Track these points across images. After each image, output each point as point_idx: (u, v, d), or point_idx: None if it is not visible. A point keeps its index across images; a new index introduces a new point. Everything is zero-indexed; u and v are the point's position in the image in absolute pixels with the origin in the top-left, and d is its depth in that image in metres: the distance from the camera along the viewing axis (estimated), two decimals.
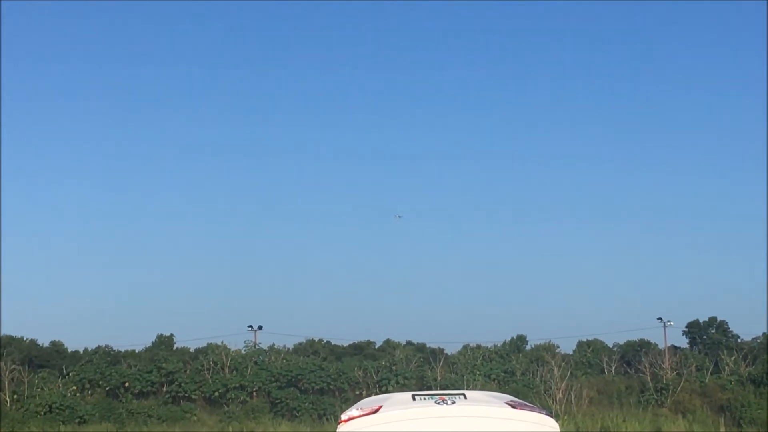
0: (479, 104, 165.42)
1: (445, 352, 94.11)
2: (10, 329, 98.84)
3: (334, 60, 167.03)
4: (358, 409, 12.95)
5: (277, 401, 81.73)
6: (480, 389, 27.48)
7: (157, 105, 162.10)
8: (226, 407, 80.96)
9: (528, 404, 13.50)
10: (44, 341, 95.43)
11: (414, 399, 13.31)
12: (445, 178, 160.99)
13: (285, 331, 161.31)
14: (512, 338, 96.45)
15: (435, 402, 12.96)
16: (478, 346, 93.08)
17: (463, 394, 13.43)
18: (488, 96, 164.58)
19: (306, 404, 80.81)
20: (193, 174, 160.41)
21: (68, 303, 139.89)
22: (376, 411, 12.73)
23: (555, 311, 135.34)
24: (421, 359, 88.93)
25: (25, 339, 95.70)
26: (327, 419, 78.28)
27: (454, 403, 12.94)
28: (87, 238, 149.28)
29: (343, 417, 12.84)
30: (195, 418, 77.84)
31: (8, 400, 78.04)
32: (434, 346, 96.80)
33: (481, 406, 13.07)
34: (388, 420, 12.57)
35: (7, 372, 79.79)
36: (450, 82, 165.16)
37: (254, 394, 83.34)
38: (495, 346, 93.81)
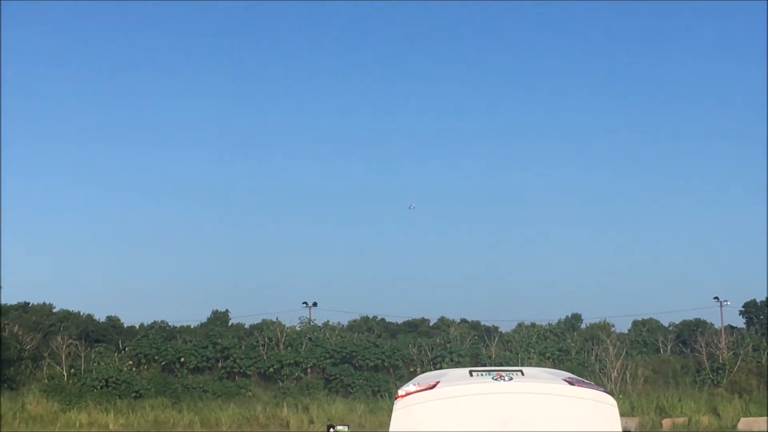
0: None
1: (500, 330, 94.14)
2: (67, 304, 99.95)
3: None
4: (415, 385, 12.92)
5: (331, 377, 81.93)
6: (535, 367, 27.34)
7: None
8: (280, 383, 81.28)
9: (585, 381, 13.40)
10: (100, 316, 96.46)
11: (471, 375, 13.26)
12: (492, 154, 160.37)
13: (339, 308, 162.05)
14: (567, 317, 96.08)
15: (492, 378, 12.90)
16: (533, 324, 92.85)
17: (521, 371, 13.36)
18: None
19: (360, 381, 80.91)
20: (249, 151, 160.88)
21: (124, 278, 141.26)
22: (434, 386, 12.70)
23: (610, 290, 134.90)
24: (476, 337, 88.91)
25: (81, 314, 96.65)
26: (381, 396, 78.33)
27: (511, 379, 12.88)
28: (142, 214, 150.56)
29: (400, 392, 12.81)
30: (250, 393, 78.22)
31: (65, 374, 78.85)
32: (488, 323, 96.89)
33: (538, 382, 13.00)
34: (445, 395, 12.54)
35: (64, 346, 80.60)
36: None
37: (309, 370, 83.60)
38: (549, 324, 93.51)
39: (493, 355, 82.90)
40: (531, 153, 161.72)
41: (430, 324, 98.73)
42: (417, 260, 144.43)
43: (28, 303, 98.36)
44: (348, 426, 46.56)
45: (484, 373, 13.28)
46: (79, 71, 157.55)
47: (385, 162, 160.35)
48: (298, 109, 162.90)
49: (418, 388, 12.77)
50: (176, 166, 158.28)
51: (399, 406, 12.65)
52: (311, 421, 71.43)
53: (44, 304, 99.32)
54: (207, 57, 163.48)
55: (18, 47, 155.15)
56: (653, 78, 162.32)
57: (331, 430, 44.19)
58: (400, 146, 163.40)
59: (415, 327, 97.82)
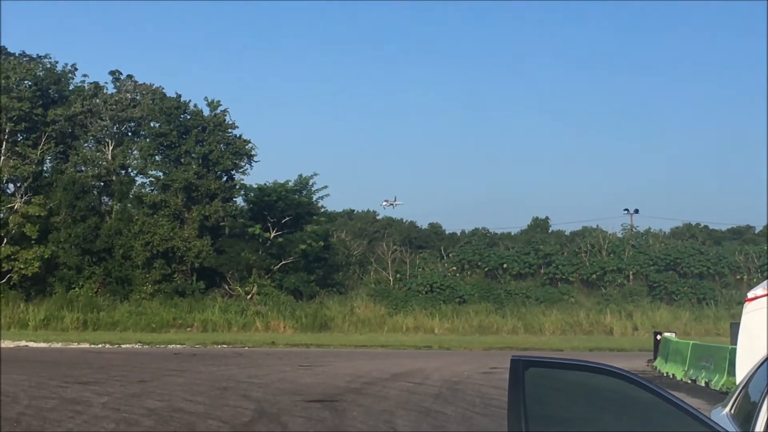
0: None
1: None
2: (389, 211, 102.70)
3: None
4: (764, 288, 12.38)
5: (655, 285, 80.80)
6: None
7: None
8: (603, 290, 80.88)
9: None
10: (422, 223, 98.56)
11: None
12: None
13: (661, 215, 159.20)
14: None
15: None
16: None
17: None
18: None
19: (685, 288, 79.42)
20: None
21: (445, 186, 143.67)
22: None
23: None
24: None
25: (404, 221, 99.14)
26: (707, 303, 76.77)
27: None
28: (460, 124, 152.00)
29: (749, 295, 12.33)
30: (572, 300, 78.20)
31: (391, 279, 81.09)
32: None
33: None
34: None
35: (389, 252, 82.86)
36: None
37: (631, 277, 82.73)
38: None
39: None
40: None
41: (755, 231, 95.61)
42: (742, 165, 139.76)
43: (353, 210, 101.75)
44: (675, 333, 45.69)
45: None
46: None
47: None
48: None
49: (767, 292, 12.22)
50: (493, 78, 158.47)
51: (748, 309, 12.17)
52: (635, 328, 70.82)
53: (368, 211, 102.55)
54: None
55: None
56: None
57: (658, 337, 43.48)
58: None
59: (740, 234, 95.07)
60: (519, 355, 7.38)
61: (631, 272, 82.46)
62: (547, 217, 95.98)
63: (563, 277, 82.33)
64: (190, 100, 76.86)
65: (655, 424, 6.92)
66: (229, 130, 76.44)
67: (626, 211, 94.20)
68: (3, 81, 72.02)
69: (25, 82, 73.75)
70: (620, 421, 7.08)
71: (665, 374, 36.19)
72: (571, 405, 7.45)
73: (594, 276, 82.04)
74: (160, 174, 75.34)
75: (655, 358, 41.66)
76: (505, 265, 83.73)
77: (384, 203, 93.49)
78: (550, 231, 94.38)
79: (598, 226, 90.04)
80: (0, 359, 36.83)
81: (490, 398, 26.17)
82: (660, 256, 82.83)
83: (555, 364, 7.51)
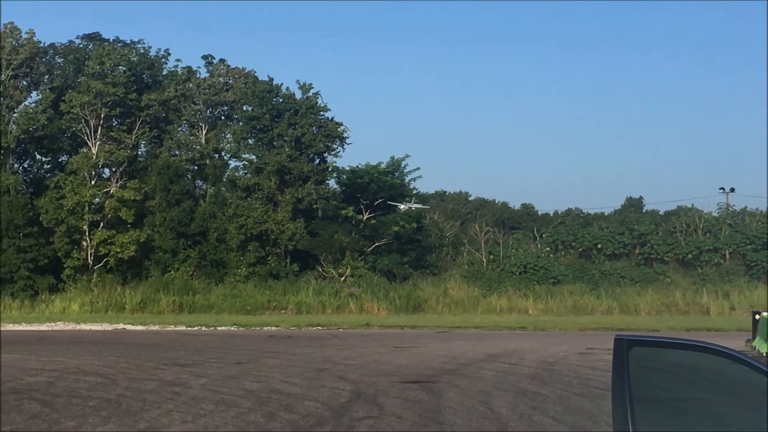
0: None
1: None
2: (481, 192, 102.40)
3: None
4: None
5: (752, 264, 79.40)
6: None
7: None
8: (699, 269, 79.74)
9: None
10: (515, 204, 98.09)
11: None
12: None
13: (757, 194, 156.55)
14: None
15: None
16: None
17: None
18: None
19: None
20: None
21: (536, 167, 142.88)
22: None
23: None
24: None
25: (496, 202, 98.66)
26: None
27: None
28: (549, 104, 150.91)
29: None
30: (668, 279, 77.23)
31: (484, 260, 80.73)
32: None
33: None
34: None
35: (482, 234, 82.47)
36: None
37: (728, 256, 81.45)
38: None
39: None
40: None
41: None
42: None
43: (445, 192, 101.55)
44: None
45: None
46: None
47: None
48: None
49: None
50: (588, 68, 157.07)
51: None
52: (732, 308, 69.78)
53: (460, 192, 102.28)
54: None
55: None
56: None
57: (757, 316, 42.72)
58: None
59: None
60: (623, 334, 7.23)
61: (727, 251, 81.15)
62: (640, 197, 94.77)
63: (658, 257, 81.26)
64: (282, 84, 77.30)
65: None
66: (321, 113, 76.67)
67: (722, 190, 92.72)
68: (98, 67, 73.10)
69: (120, 67, 74.68)
70: (730, 404, 6.88)
71: (764, 354, 35.57)
72: (677, 385, 7.28)
73: (690, 255, 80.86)
74: (253, 157, 75.88)
75: (753, 338, 40.95)
76: (599, 245, 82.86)
77: (402, 207, 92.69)
78: (644, 211, 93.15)
79: (693, 205, 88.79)
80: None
81: (588, 379, 25.96)
82: (757, 234, 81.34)
83: (660, 343, 7.36)
